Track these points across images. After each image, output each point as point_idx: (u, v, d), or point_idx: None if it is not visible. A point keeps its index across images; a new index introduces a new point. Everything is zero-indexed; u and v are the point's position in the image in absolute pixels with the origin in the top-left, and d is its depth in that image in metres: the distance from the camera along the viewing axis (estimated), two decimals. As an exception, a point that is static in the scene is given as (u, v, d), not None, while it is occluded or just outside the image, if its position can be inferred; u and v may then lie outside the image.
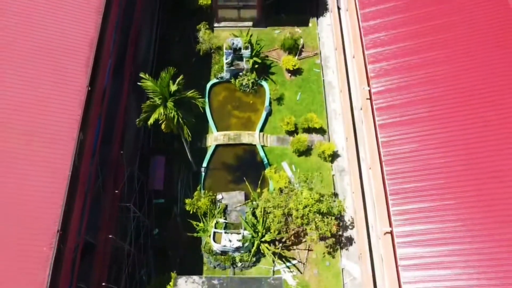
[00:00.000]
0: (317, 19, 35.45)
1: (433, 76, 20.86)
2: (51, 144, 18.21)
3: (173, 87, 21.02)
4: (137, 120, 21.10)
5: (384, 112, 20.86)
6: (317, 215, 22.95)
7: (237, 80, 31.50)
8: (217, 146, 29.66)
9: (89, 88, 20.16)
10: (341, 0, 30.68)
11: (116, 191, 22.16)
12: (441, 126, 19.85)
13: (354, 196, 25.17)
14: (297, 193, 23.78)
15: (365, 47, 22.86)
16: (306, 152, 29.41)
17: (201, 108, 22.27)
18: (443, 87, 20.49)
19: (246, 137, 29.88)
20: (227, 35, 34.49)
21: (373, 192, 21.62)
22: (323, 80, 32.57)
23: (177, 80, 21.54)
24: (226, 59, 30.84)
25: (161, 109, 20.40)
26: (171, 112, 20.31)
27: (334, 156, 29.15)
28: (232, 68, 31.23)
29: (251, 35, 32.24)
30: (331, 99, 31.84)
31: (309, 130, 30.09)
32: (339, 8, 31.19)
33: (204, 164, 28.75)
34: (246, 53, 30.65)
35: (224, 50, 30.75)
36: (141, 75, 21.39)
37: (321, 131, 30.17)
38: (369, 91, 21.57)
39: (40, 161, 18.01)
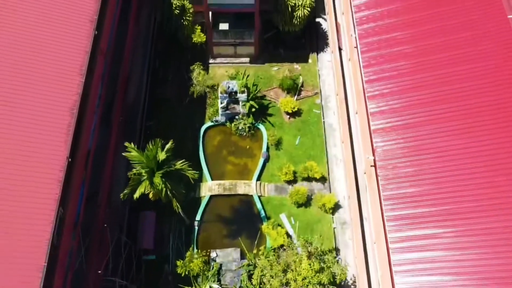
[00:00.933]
0: (317, 54, 33.82)
1: (447, 150, 19.22)
2: (24, 236, 16.61)
3: (162, 155, 19.41)
4: (122, 194, 19.47)
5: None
6: (318, 286, 21.35)
7: (233, 124, 29.89)
8: (211, 196, 28.06)
9: (70, 160, 18.56)
10: (342, 39, 29.12)
11: (100, 271, 20.52)
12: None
13: (358, 265, 23.50)
14: (296, 261, 22.15)
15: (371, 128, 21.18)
16: (305, 203, 27.81)
17: (192, 180, 20.62)
18: (455, 161, 18.90)
19: (242, 187, 28.26)
20: (222, 72, 32.94)
21: (377, 265, 20.11)
22: (324, 122, 30.94)
23: (166, 147, 19.90)
24: (221, 103, 29.23)
25: (147, 183, 18.80)
26: (159, 185, 18.72)
27: (335, 207, 27.54)
28: (227, 112, 29.61)
29: (247, 76, 30.68)
30: (332, 142, 30.22)
31: (309, 179, 28.51)
32: (340, 49, 29.61)
33: (198, 218, 27.14)
34: (242, 96, 29.05)
35: (219, 94, 29.13)
36: (126, 144, 19.75)
37: (322, 179, 28.55)
38: (374, 160, 19.99)
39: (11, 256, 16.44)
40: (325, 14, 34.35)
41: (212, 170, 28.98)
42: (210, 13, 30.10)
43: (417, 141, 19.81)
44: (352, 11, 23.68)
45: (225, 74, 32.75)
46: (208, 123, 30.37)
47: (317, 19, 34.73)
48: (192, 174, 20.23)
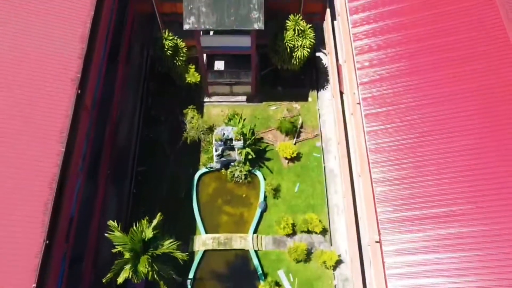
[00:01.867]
0: (317, 92, 32.22)
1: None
2: None
3: (149, 233, 17.83)
4: (104, 279, 17.89)
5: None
6: None
7: (228, 171, 28.31)
8: (205, 251, 26.50)
9: (47, 242, 16.99)
10: (344, 84, 27.54)
11: None
12: None
13: None
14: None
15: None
16: (305, 258, 26.23)
17: (181, 261, 19.03)
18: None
19: (238, 242, 26.70)
20: (218, 112, 31.37)
21: None
22: (324, 167, 29.35)
23: (154, 223, 18.28)
24: (215, 151, 27.65)
25: (131, 269, 17.20)
26: (144, 272, 17.15)
27: (336, 262, 25.97)
28: (222, 159, 28.04)
29: (244, 120, 29.13)
30: (333, 189, 28.63)
31: (308, 231, 26.94)
32: (342, 93, 28.04)
33: (191, 275, 25.59)
34: (238, 144, 27.44)
35: (214, 142, 27.54)
36: (109, 223, 18.16)
37: (323, 231, 26.95)
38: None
39: None
40: (325, 48, 32.86)
41: (206, 221, 27.43)
42: (205, 54, 28.53)
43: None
44: (355, 68, 22.04)
45: (221, 114, 31.22)
46: (203, 170, 28.79)
47: (317, 53, 33.18)
48: (182, 256, 18.62)
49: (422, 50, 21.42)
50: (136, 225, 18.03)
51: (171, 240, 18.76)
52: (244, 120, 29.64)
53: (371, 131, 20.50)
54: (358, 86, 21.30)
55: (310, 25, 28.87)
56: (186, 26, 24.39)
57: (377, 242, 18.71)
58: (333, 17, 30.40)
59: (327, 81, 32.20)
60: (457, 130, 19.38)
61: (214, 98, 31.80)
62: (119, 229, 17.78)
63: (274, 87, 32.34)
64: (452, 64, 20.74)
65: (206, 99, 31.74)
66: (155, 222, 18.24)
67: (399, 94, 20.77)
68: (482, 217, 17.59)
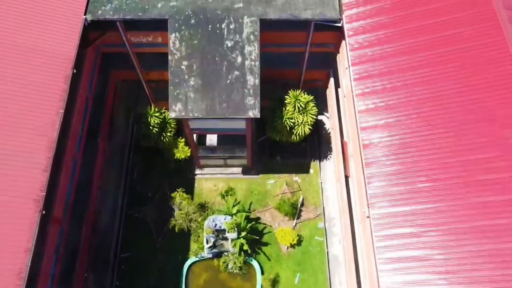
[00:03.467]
0: (320, 162, 29.39)
1: None
2: None
3: None
4: None
5: None
6: None
7: (220, 261, 25.53)
8: None
9: None
10: (350, 166, 24.69)
11: None
12: None
13: None
14: None
15: None
16: None
17: None
18: None
19: None
20: (210, 186, 28.57)
21: None
22: (327, 252, 26.58)
23: None
24: (207, 243, 24.87)
25: None
26: None
27: None
28: (215, 250, 25.27)
29: (238, 205, 26.36)
30: (337, 281, 25.86)
31: (309, 333, 24.25)
32: (347, 177, 25.19)
33: None
34: (232, 235, 24.65)
35: (204, 234, 24.75)
36: None
37: (325, 331, 24.28)
38: None
39: None
40: (327, 111, 30.06)
41: (196, 320, 24.73)
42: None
43: None
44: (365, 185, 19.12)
45: (214, 189, 28.42)
46: (193, 258, 26.00)
47: (319, 117, 30.33)
48: None
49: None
50: None
51: None
52: (239, 203, 26.82)
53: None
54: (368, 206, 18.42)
55: (312, 97, 26.04)
56: (172, 114, 21.55)
57: None
58: (337, 84, 27.53)
59: (330, 149, 29.37)
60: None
61: (206, 170, 29.00)
62: None
63: (272, 156, 29.51)
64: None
65: (197, 171, 28.95)
66: None
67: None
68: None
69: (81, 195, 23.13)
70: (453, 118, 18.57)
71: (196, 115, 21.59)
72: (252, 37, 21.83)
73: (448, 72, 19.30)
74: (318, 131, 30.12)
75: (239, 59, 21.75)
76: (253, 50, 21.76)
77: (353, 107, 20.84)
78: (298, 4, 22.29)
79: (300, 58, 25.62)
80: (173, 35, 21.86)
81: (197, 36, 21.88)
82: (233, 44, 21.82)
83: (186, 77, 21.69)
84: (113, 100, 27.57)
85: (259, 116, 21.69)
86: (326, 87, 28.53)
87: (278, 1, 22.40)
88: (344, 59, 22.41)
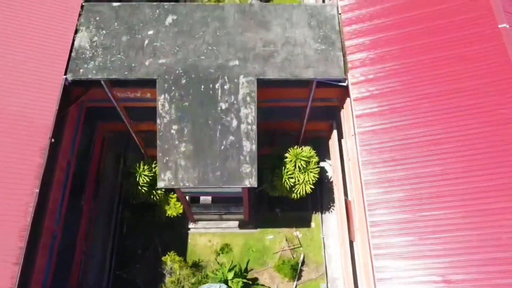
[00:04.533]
0: (322, 214, 27.53)
1: None
2: None
3: None
4: None
5: None
6: None
7: (216, 331, 23.67)
8: None
9: None
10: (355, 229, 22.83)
11: None
12: None
13: None
14: None
15: None
16: None
17: None
18: None
19: None
20: (205, 242, 26.73)
21: None
22: (330, 319, 24.78)
23: None
24: (200, 314, 23.05)
25: None
26: None
27: None
28: (208, 320, 23.44)
29: (236, 268, 24.49)
30: None
31: None
32: (351, 242, 23.31)
33: None
34: (227, 306, 22.83)
35: (197, 310, 22.95)
36: None
37: None
38: None
39: None
40: (329, 159, 28.16)
41: None
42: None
43: None
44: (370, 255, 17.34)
45: (209, 245, 26.58)
46: (185, 327, 24.16)
47: (322, 163, 28.43)
48: None
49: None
50: None
51: None
52: (235, 266, 24.94)
53: None
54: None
55: (314, 152, 24.20)
56: (160, 184, 19.65)
57: None
58: (340, 135, 25.66)
59: (333, 200, 27.51)
60: None
61: (200, 224, 27.14)
62: None
63: (271, 208, 27.64)
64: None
65: (191, 225, 27.08)
66: None
67: None
68: None
69: (62, 268, 21.27)
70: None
71: (187, 184, 19.68)
72: (248, 98, 19.93)
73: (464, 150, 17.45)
74: (320, 180, 28.14)
75: (234, 122, 19.85)
76: (249, 112, 19.86)
77: (359, 178, 18.97)
78: (299, 62, 20.38)
79: (301, 110, 23.73)
80: (162, 96, 19.96)
81: (188, 98, 19.98)
82: (227, 106, 19.92)
83: (177, 142, 19.79)
84: (100, 154, 25.71)
85: (256, 185, 19.79)
86: (329, 137, 26.61)
87: (277, 58, 20.49)
88: (350, 126, 20.48)
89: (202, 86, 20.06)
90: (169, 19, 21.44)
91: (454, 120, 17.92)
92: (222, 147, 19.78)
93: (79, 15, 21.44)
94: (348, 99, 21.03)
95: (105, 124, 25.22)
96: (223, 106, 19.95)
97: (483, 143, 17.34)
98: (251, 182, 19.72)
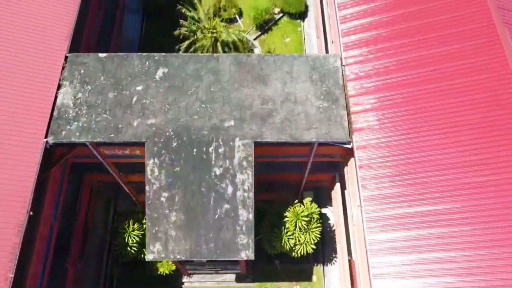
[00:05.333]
0: (323, 266, 25.98)
1: None
2: None
3: None
4: None
5: None
6: None
7: None
8: None
9: None
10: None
11: None
12: None
13: None
14: None
15: None
16: None
17: None
18: None
19: None
20: (200, 296, 25.18)
21: None
22: None
23: None
24: None
25: None
26: None
27: None
28: None
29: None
30: None
31: None
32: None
33: None
34: None
35: None
36: None
37: None
38: None
39: None
40: (331, 205, 26.61)
41: None
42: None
43: None
44: None
45: (204, 301, 25.03)
46: None
47: (323, 210, 26.87)
48: None
49: None
50: None
51: None
52: (231, 329, 23.44)
53: None
54: None
55: (317, 208, 22.70)
56: (149, 256, 18.11)
57: None
58: (343, 186, 24.09)
59: (335, 251, 25.93)
60: None
61: (195, 278, 25.61)
62: None
63: (270, 260, 26.03)
64: None
65: (185, 279, 25.56)
66: None
67: None
68: None
69: None
70: None
71: (178, 257, 18.13)
72: (245, 163, 18.37)
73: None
74: (322, 228, 26.63)
75: (230, 189, 18.28)
76: (246, 178, 18.29)
77: (364, 247, 17.46)
78: (300, 122, 18.81)
79: (301, 165, 22.19)
80: (151, 161, 18.40)
81: (179, 162, 18.41)
82: (222, 172, 18.35)
83: (167, 211, 18.22)
84: (88, 206, 24.12)
85: (253, 258, 18.26)
86: (331, 188, 25.05)
87: (276, 118, 18.91)
88: (355, 193, 18.90)
89: (195, 150, 18.49)
90: (160, 73, 19.86)
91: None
92: (216, 216, 18.22)
93: (63, 67, 19.84)
94: (352, 159, 19.47)
95: (93, 175, 23.63)
96: (218, 171, 18.37)
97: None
98: (248, 254, 18.17)
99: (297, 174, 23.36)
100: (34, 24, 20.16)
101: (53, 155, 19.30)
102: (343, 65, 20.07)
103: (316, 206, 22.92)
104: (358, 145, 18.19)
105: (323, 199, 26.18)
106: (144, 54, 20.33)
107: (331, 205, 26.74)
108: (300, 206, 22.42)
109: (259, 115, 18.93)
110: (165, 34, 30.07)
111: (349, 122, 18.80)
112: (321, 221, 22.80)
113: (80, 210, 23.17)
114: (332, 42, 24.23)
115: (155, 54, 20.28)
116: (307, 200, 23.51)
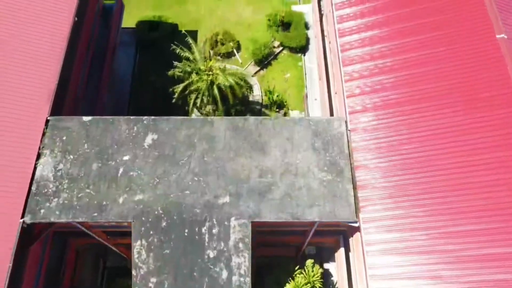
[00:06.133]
0: (326, 329, 24.37)
1: None
2: None
3: None
4: None
5: None
6: None
7: None
8: None
9: None
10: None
11: None
12: None
13: None
14: None
15: None
16: None
17: None
18: None
19: None
20: None
21: None
22: None
23: None
24: None
25: None
26: None
27: None
28: None
29: None
30: None
31: None
32: None
33: None
34: None
35: None
36: None
37: None
38: None
39: None
40: (333, 261, 24.98)
41: None
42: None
43: None
44: None
45: None
46: None
47: (326, 265, 25.30)
48: None
49: None
50: None
51: None
52: None
53: None
54: None
55: (320, 272, 21.12)
56: None
57: None
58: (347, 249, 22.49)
59: (339, 310, 24.35)
60: None
61: None
62: None
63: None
64: None
65: None
66: None
67: None
68: None
69: None
70: None
71: (167, 333, 16.54)
72: (241, 245, 16.75)
73: None
74: (324, 283, 25.12)
75: (224, 274, 16.67)
76: (242, 262, 16.68)
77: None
78: (302, 198, 17.18)
79: (304, 231, 20.59)
80: (138, 242, 16.79)
81: (169, 244, 16.79)
82: (216, 255, 16.74)
83: (156, 298, 16.62)
84: (74, 269, 22.52)
85: None
86: (335, 249, 23.42)
87: (275, 193, 17.28)
88: (362, 270, 17.32)
89: (186, 230, 16.86)
90: (149, 139, 18.21)
91: None
92: (210, 304, 16.63)
93: (43, 133, 18.19)
94: (358, 234, 17.86)
95: (78, 240, 22.01)
96: (211, 254, 16.75)
97: None
98: (245, 318, 16.60)
99: (298, 237, 21.77)
100: (12, 83, 18.50)
101: (32, 232, 17.68)
102: (348, 130, 18.42)
103: (318, 268, 21.35)
104: (366, 229, 16.56)
105: (326, 254, 24.62)
106: (131, 117, 18.68)
107: (334, 260, 25.18)
108: (301, 273, 20.82)
109: (257, 190, 17.30)
110: (158, 72, 28.58)
111: (355, 197, 17.18)
112: (322, 281, 21.22)
113: (64, 274, 21.57)
114: (336, 93, 22.61)
115: (144, 117, 18.64)
116: (308, 262, 21.91)
